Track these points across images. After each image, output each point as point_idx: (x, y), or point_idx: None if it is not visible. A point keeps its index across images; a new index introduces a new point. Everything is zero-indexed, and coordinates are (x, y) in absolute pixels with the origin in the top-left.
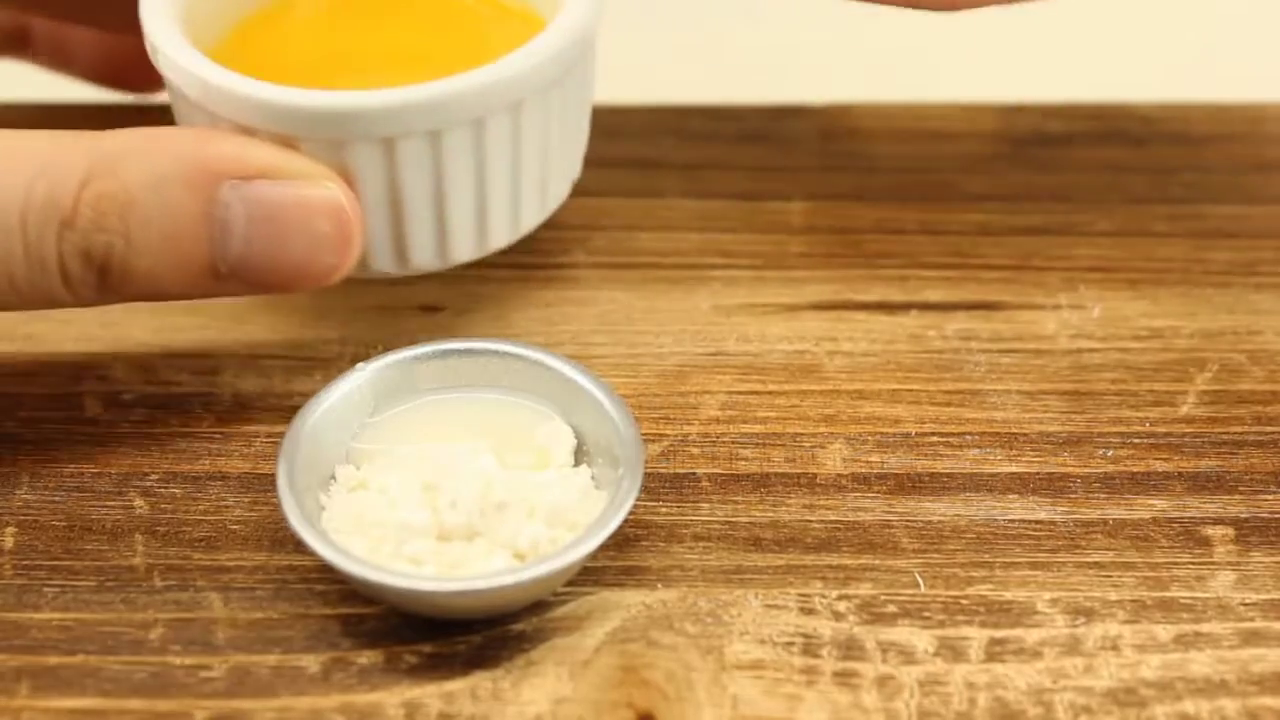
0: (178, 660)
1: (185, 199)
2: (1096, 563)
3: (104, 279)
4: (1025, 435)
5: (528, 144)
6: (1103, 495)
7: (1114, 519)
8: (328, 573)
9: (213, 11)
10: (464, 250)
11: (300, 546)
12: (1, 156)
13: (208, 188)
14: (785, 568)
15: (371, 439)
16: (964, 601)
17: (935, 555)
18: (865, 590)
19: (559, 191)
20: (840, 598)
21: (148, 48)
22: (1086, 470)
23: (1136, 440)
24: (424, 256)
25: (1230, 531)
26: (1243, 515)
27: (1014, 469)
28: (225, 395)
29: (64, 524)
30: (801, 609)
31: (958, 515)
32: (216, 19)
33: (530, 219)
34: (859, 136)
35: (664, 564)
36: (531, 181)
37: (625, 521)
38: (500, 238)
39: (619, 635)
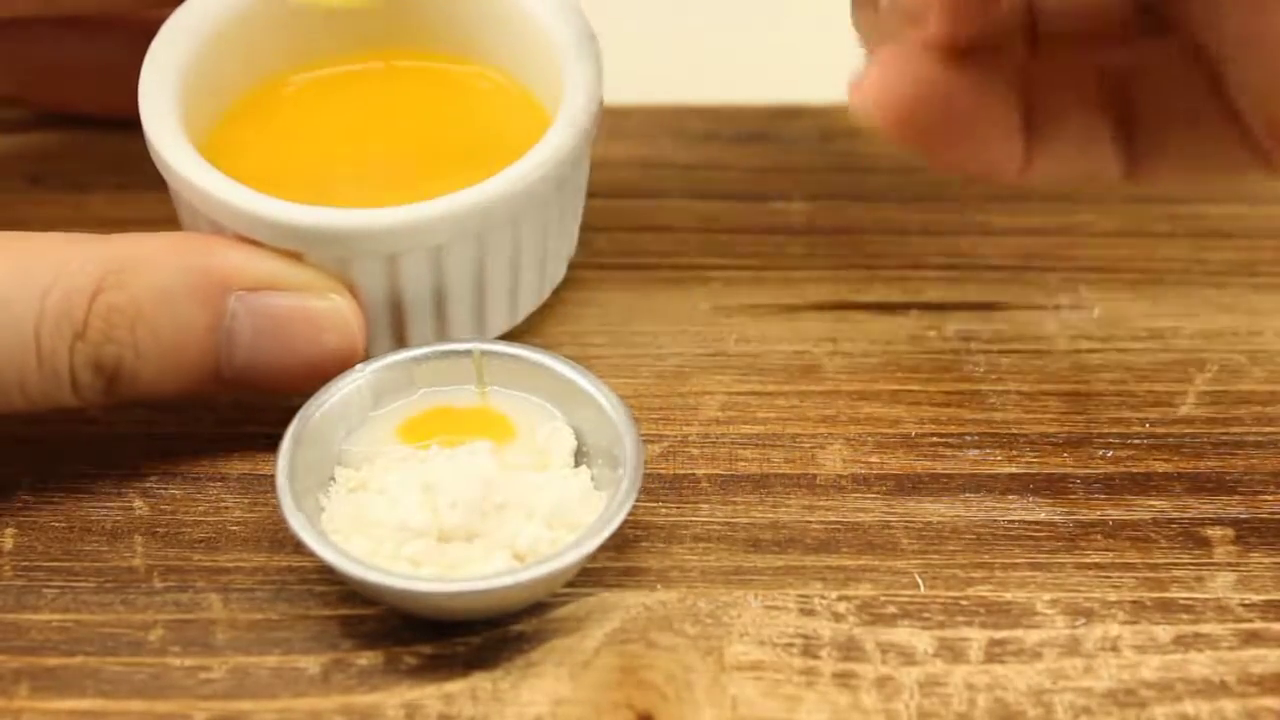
0: (177, 661)
1: (193, 311)
2: (1096, 563)
3: (111, 386)
4: (1025, 435)
5: (528, 244)
6: (1102, 496)
7: (1114, 519)
8: (327, 574)
9: (207, 94)
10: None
11: (300, 547)
12: (13, 267)
13: (215, 299)
14: (785, 569)
15: (368, 440)
16: (964, 602)
17: (935, 556)
18: (865, 591)
19: (557, 273)
20: (840, 598)
21: (150, 150)
22: (1086, 471)
23: (1136, 440)
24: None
25: (1230, 532)
26: (1242, 516)
27: (1014, 469)
28: (222, 397)
29: (64, 525)
30: (801, 610)
31: (957, 516)
32: (211, 101)
33: (528, 305)
34: (859, 136)
35: (664, 565)
36: (531, 273)
37: (625, 522)
38: (499, 327)
39: (618, 636)
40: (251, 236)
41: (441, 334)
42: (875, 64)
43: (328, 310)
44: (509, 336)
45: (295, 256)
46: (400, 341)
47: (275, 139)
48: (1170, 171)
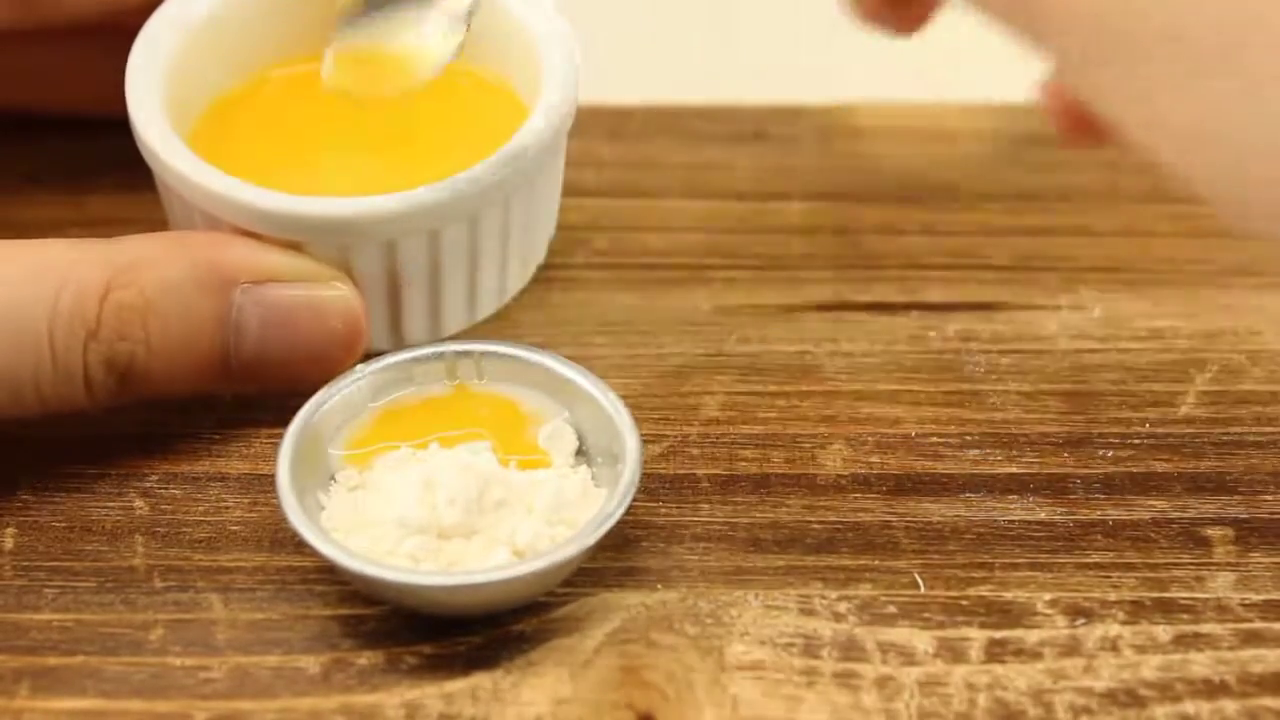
0: (178, 661)
1: (201, 304)
2: (1096, 563)
3: (124, 383)
4: (1025, 435)
5: (515, 225)
6: (1102, 496)
7: (1114, 519)
8: (328, 573)
9: (192, 90)
10: (455, 324)
11: (300, 546)
12: (24, 270)
13: (222, 292)
14: (785, 568)
15: (365, 441)
16: (964, 602)
17: (935, 556)
18: (865, 591)
19: (539, 255)
20: (840, 598)
21: (139, 146)
22: (1086, 470)
23: (1136, 440)
24: (418, 334)
25: (1230, 532)
26: (1242, 516)
27: (1014, 469)
28: (225, 395)
29: (64, 524)
30: (801, 610)
31: (958, 516)
32: (196, 97)
33: (515, 286)
34: (859, 136)
35: (664, 565)
36: (517, 255)
37: (625, 521)
38: (489, 308)
39: (619, 636)
40: (252, 230)
41: (435, 317)
42: None
43: (332, 299)
44: (500, 319)
45: (295, 247)
46: (396, 325)
47: (261, 133)
48: None
